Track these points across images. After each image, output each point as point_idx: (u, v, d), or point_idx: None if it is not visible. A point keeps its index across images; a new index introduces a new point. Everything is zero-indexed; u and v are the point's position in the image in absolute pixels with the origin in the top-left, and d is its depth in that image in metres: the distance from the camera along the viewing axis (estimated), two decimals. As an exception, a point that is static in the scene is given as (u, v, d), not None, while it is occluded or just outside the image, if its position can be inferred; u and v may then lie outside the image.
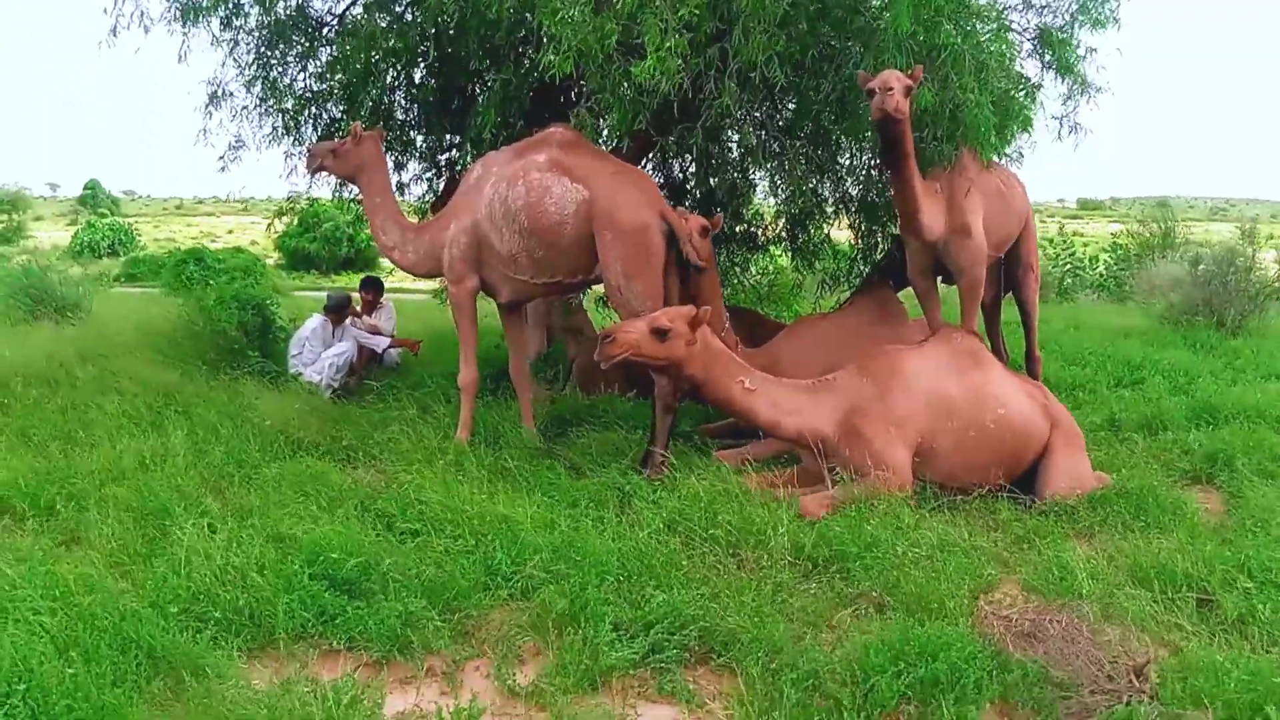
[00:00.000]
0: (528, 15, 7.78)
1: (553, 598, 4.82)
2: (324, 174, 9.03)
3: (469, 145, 9.20)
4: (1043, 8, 8.25)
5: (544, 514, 5.88)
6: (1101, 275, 22.20)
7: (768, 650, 4.48)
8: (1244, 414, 8.80)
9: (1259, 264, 13.52)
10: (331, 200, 11.40)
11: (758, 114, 7.85)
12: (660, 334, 6.43)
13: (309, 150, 8.40)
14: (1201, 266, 13.64)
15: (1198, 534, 6.12)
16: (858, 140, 7.88)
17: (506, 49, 9.06)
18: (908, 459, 6.54)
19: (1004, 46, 7.52)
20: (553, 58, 7.18)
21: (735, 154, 9.40)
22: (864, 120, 7.78)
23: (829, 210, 9.17)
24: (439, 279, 8.43)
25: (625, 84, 7.64)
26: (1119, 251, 22.52)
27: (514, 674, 4.46)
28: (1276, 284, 13.31)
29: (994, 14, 7.90)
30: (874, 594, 5.08)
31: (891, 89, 6.76)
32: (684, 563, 5.25)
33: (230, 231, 63.58)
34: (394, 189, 8.58)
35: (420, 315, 15.93)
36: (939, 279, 8.22)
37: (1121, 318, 14.71)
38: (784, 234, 10.40)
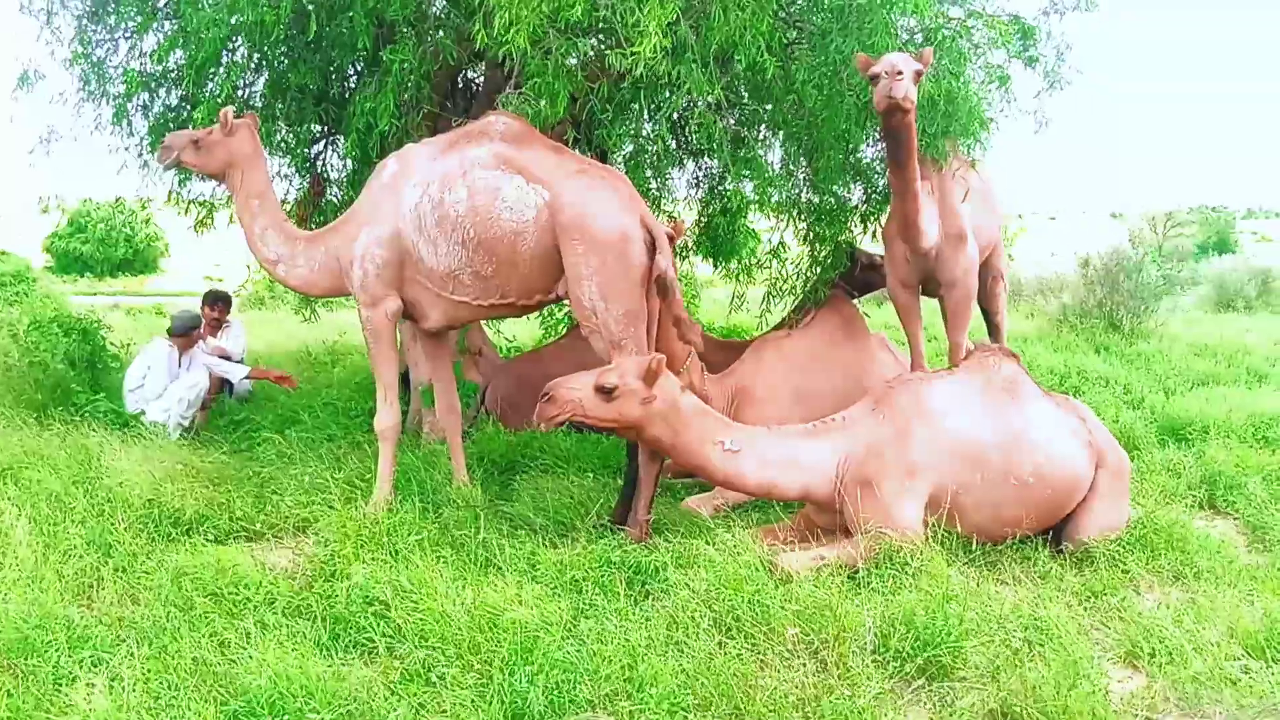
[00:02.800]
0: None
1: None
2: (175, 169, 7.41)
3: (356, 137, 7.68)
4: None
5: (546, 608, 4.56)
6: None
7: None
8: (1209, 430, 8.33)
9: (1145, 264, 13.41)
10: (170, 199, 9.55)
11: (731, 101, 6.73)
12: (606, 391, 5.29)
13: (165, 142, 6.70)
14: (1091, 267, 13.43)
15: (1259, 581, 5.46)
16: (840, 133, 6.88)
17: (403, 24, 7.62)
18: (919, 516, 5.55)
19: (993, 31, 6.69)
20: (496, 32, 5.90)
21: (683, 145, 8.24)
22: (845, 111, 6.79)
23: (781, 212, 8.17)
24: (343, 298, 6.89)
25: (571, 63, 6.42)
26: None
27: None
28: (1162, 283, 13.21)
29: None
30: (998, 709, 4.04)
31: (901, 73, 5.86)
32: (764, 678, 4.05)
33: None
34: (274, 188, 6.97)
35: (259, 330, 14.07)
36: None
37: (1013, 320, 14.36)
38: (708, 238, 9.33)
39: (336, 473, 6.56)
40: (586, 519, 6.10)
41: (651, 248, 5.78)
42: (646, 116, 7.23)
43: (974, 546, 5.63)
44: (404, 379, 8.39)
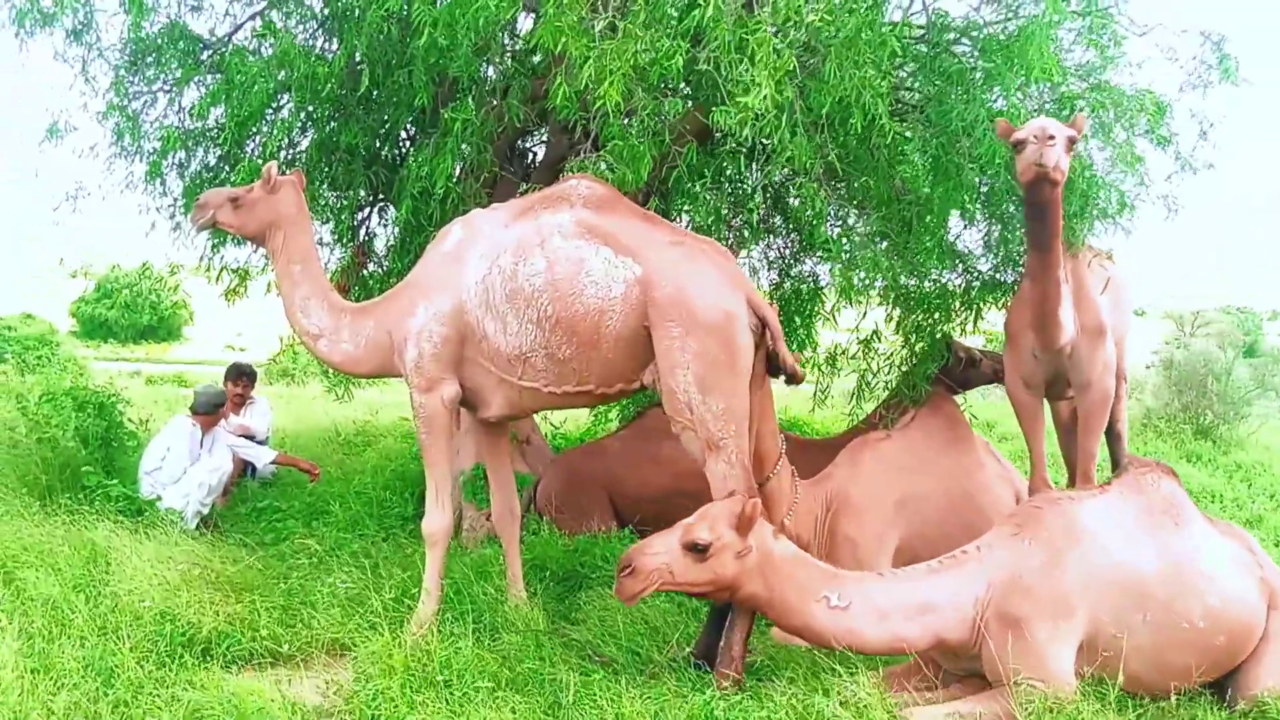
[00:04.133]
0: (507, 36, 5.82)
1: None
2: (209, 230, 6.72)
3: (410, 202, 6.97)
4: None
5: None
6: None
7: None
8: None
9: (1235, 366, 12.51)
10: (200, 266, 8.84)
11: (832, 172, 5.98)
12: (698, 550, 4.47)
13: (201, 200, 5.98)
14: (1175, 367, 12.55)
15: None
16: (945, 211, 6.12)
17: (465, 81, 6.96)
18: (1071, 664, 4.63)
19: (1147, 102, 5.94)
20: (582, 85, 5.19)
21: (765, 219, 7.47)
22: (958, 186, 6.03)
23: (863, 296, 7.38)
24: (395, 378, 6.07)
25: (655, 123, 5.70)
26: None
27: None
28: (1255, 387, 12.29)
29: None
30: None
31: (1053, 139, 5.11)
32: None
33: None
34: (318, 254, 6.21)
35: (285, 407, 13.28)
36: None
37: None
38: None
39: (375, 581, 5.71)
40: (665, 650, 5.22)
41: (760, 333, 4.97)
42: (729, 187, 6.48)
43: (1135, 702, 4.69)
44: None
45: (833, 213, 6.30)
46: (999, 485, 6.79)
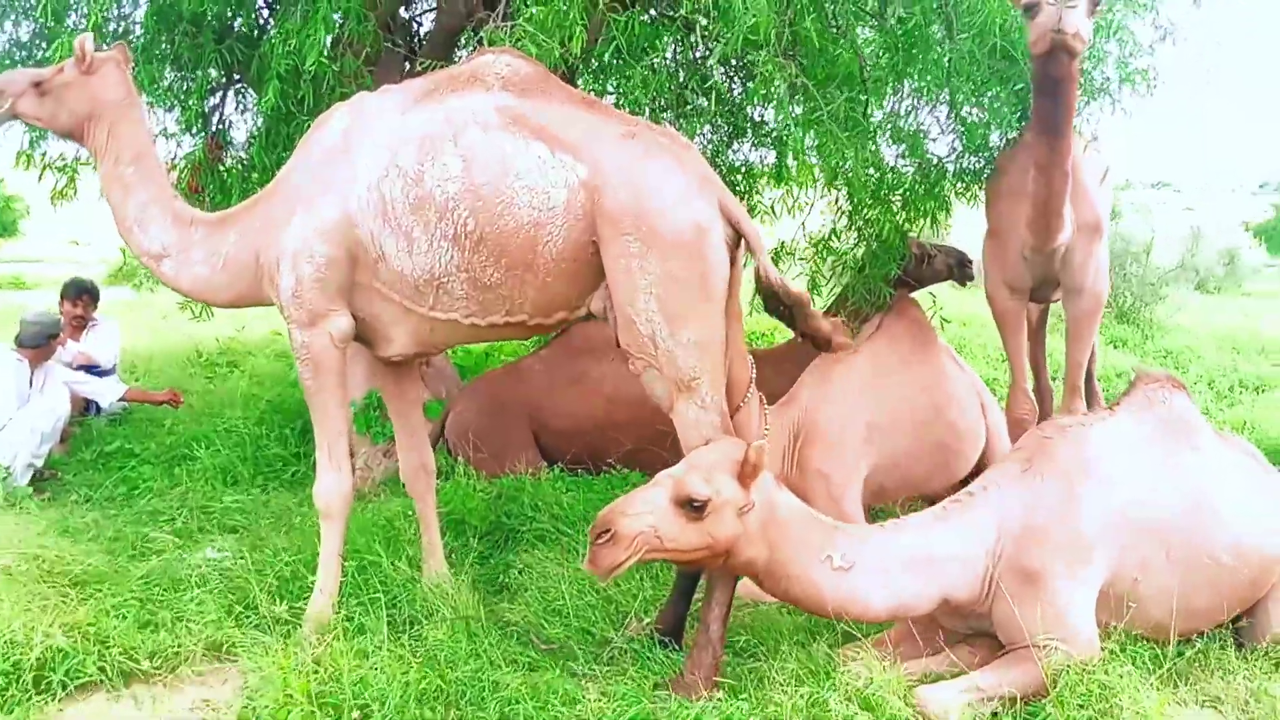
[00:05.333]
0: None
1: None
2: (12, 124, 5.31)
3: (276, 84, 5.65)
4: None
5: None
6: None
7: None
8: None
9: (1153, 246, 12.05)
10: (19, 162, 7.28)
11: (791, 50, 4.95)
12: (693, 507, 3.53)
13: (-6, 84, 4.60)
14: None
15: None
16: (929, 89, 5.19)
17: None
18: (1092, 615, 3.97)
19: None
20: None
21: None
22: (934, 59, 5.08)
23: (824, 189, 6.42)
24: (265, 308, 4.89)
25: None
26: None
27: None
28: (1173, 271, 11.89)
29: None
30: None
31: (1074, 3, 4.18)
32: None
33: None
34: (154, 148, 4.89)
35: (132, 322, 11.71)
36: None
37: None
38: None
39: (256, 557, 4.65)
40: (623, 626, 4.35)
41: (735, 246, 3.98)
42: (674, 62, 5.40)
43: (1159, 652, 4.06)
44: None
45: (784, 92, 5.26)
46: (967, 396, 6.05)
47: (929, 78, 5.29)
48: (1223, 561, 4.16)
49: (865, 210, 6.24)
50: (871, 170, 5.95)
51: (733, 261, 3.96)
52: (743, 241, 3.98)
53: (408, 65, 6.99)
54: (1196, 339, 10.88)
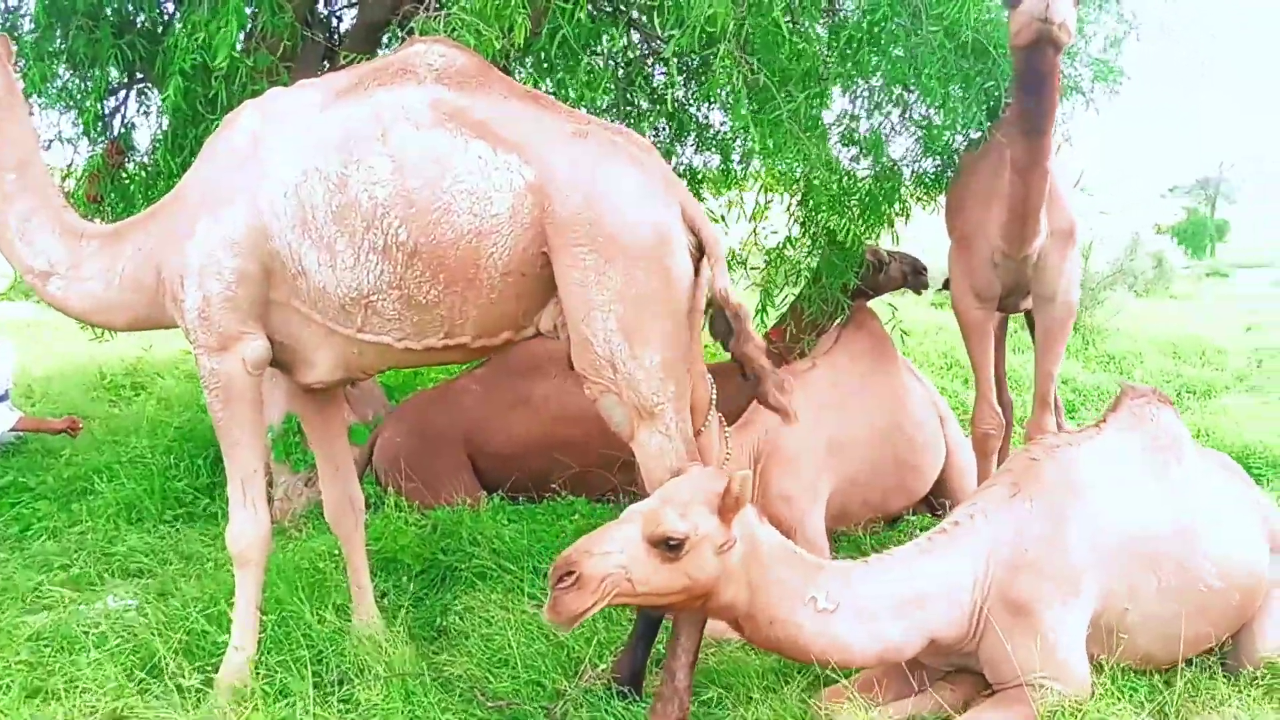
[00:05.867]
0: None
1: None
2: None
3: (179, 82, 5.13)
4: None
5: None
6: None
7: None
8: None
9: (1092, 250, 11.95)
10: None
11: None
12: (670, 546, 3.12)
13: None
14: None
15: None
16: (888, 88, 4.87)
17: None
18: (1084, 649, 3.68)
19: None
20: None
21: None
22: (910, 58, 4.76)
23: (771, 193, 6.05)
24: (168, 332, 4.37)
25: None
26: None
27: None
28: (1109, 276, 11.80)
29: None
30: None
31: None
32: None
33: None
34: (41, 153, 4.34)
35: (28, 342, 10.93)
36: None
37: (937, 314, 12.60)
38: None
39: (162, 609, 4.15)
40: (577, 676, 3.94)
41: (699, 258, 3.59)
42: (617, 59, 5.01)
43: (1150, 684, 3.83)
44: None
45: (741, 90, 4.88)
46: (926, 412, 5.78)
47: (891, 75, 4.94)
48: (1213, 586, 3.92)
49: (822, 216, 5.88)
50: (828, 174, 5.61)
51: (696, 272, 3.57)
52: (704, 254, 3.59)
53: (326, 64, 6.53)
54: (1136, 344, 10.78)
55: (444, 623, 4.46)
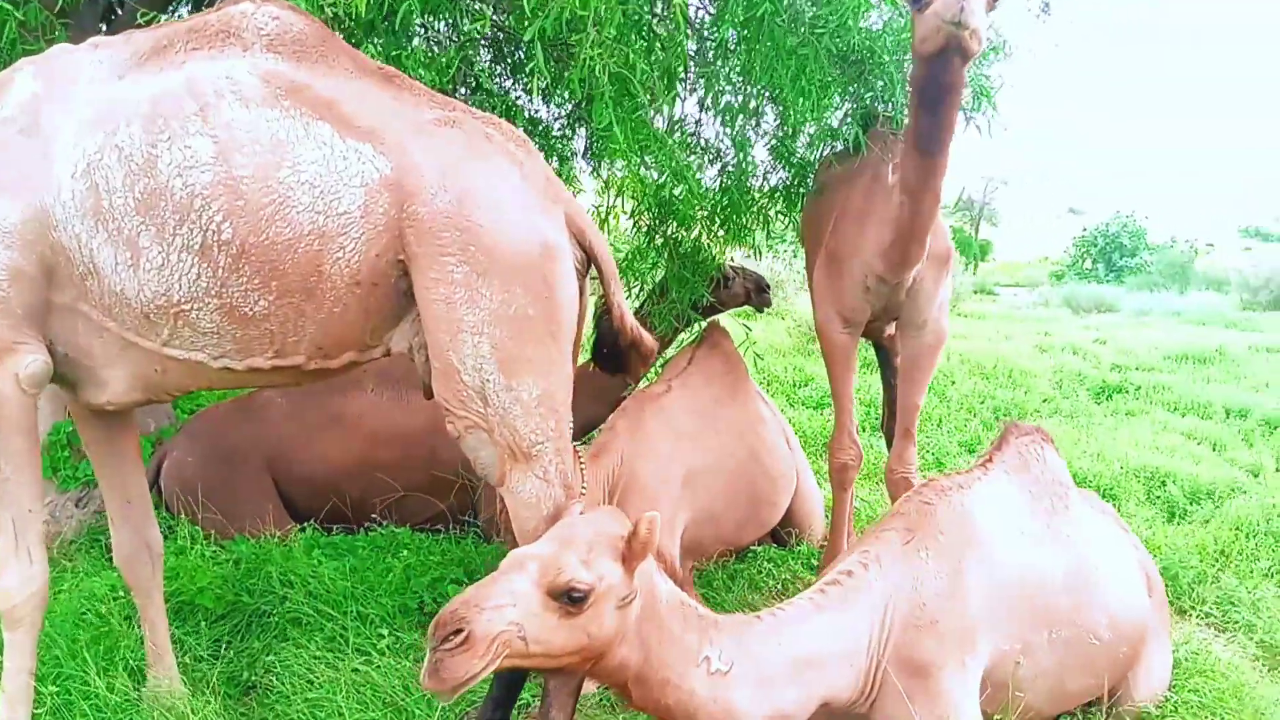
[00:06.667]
0: None
1: None
2: None
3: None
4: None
5: None
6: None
7: None
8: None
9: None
10: None
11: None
12: (572, 599, 2.69)
13: None
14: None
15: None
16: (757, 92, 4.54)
17: None
18: (978, 708, 3.45)
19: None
20: None
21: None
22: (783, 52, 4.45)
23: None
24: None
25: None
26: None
27: None
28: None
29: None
30: None
31: None
32: None
33: None
34: None
35: None
36: None
37: (763, 327, 12.46)
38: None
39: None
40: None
41: (584, 271, 3.15)
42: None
43: None
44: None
45: (607, 85, 4.44)
46: (778, 440, 5.52)
47: (759, 79, 4.60)
48: (1103, 638, 3.77)
49: (669, 226, 5.55)
50: (677, 180, 5.26)
51: (581, 291, 3.13)
52: (591, 266, 3.16)
53: (104, 26, 5.70)
54: (949, 362, 10.94)
55: (253, 678, 3.84)
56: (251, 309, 2.92)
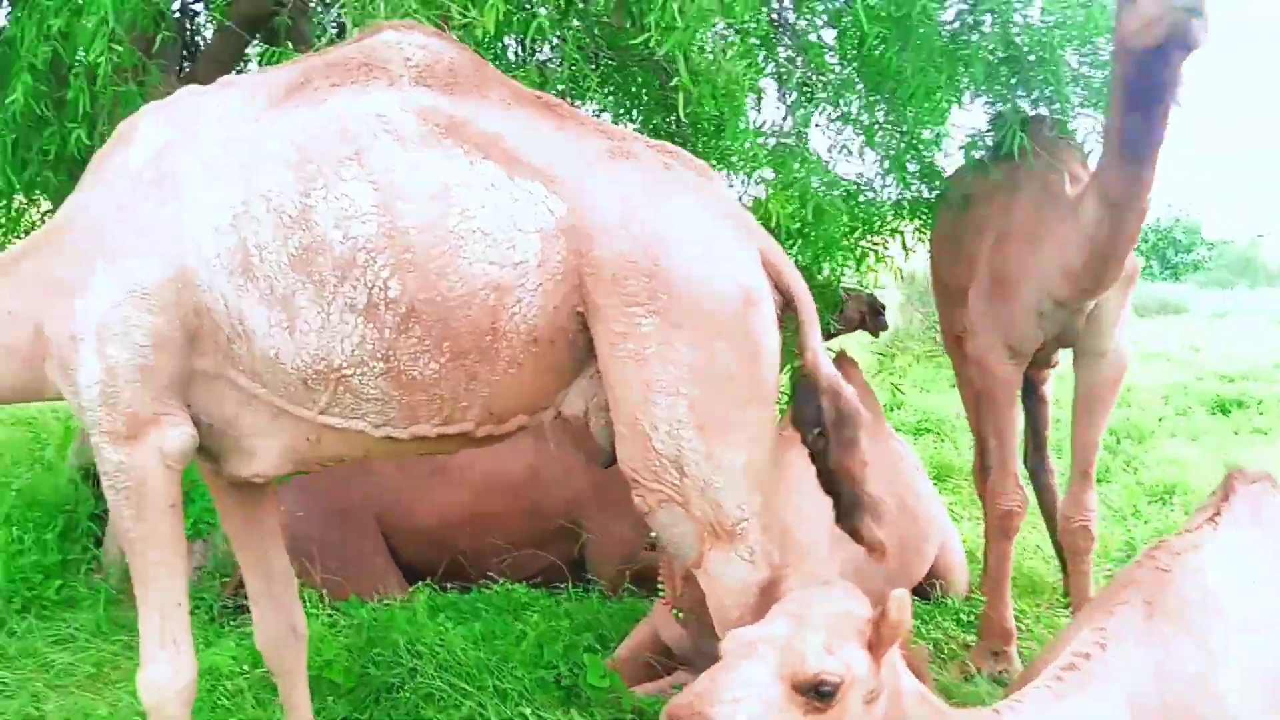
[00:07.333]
0: None
1: None
2: None
3: (25, 78, 4.09)
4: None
5: None
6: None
7: None
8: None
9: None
10: None
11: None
12: (820, 694, 2.30)
13: None
14: (916, 283, 11.66)
15: None
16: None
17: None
18: None
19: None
20: None
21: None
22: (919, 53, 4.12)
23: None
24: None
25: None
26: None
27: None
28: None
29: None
30: None
31: None
32: None
33: None
34: None
35: None
36: None
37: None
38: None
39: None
40: None
41: (782, 318, 2.82)
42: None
43: None
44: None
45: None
46: (920, 480, 5.17)
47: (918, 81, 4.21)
48: None
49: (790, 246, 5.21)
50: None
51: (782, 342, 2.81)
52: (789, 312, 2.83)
53: (187, 64, 5.52)
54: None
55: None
56: (421, 373, 2.63)
